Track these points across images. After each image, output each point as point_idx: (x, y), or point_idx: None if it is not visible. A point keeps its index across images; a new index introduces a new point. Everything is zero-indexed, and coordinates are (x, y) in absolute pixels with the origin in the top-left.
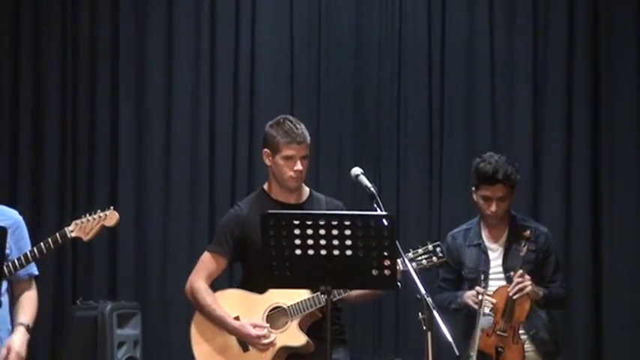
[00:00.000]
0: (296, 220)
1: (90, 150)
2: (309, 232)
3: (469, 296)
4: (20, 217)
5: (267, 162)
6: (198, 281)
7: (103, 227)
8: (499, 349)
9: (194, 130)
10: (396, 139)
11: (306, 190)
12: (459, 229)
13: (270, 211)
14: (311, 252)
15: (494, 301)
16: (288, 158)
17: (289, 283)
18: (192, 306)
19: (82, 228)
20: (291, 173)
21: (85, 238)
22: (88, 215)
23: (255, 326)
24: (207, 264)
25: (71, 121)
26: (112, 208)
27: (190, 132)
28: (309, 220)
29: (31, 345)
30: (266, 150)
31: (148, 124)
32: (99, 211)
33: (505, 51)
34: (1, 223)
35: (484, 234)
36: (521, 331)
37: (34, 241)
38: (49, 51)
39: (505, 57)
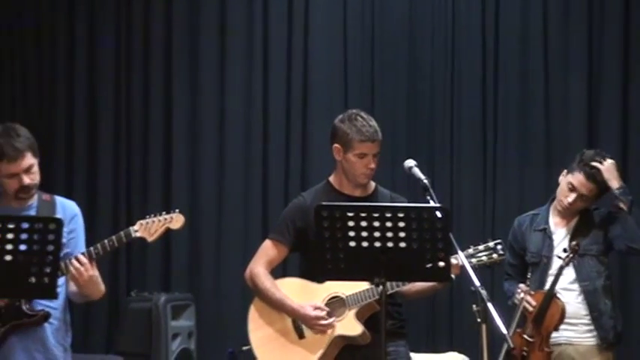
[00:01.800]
0: (350, 211)
1: (144, 148)
2: (363, 224)
3: (517, 291)
4: (78, 210)
5: (338, 157)
6: (258, 267)
7: (168, 229)
8: (523, 353)
9: (247, 125)
10: (450, 131)
11: (372, 184)
12: (526, 214)
13: (324, 203)
14: (365, 244)
15: (533, 303)
16: (361, 156)
17: (343, 275)
18: (245, 297)
19: (146, 228)
20: (364, 170)
21: (150, 239)
22: (153, 216)
23: (314, 308)
24: (267, 251)
25: (125, 122)
26: (177, 210)
27: (243, 127)
28: (363, 212)
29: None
30: (337, 145)
31: (201, 123)
32: (164, 212)
33: (559, 40)
34: (59, 213)
35: (552, 220)
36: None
37: (89, 240)
38: (104, 50)
39: (559, 46)
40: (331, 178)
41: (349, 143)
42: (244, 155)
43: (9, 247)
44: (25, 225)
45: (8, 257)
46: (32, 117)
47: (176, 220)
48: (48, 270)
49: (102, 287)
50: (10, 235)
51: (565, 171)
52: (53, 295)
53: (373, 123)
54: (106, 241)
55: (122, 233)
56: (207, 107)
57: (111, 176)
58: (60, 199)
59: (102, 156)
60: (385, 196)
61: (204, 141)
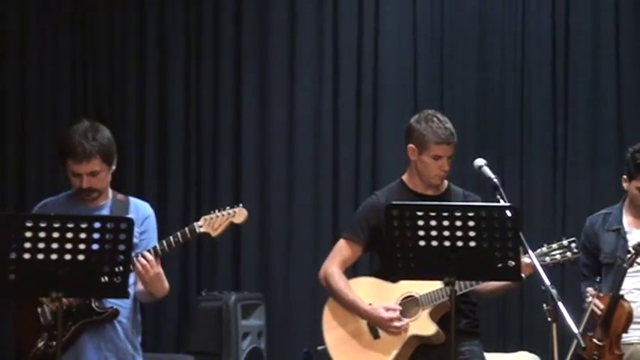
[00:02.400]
0: (420, 211)
1: (214, 148)
2: (433, 223)
3: (586, 294)
4: (151, 211)
5: (412, 157)
6: (332, 267)
7: (232, 224)
8: (594, 357)
9: (317, 125)
10: (519, 130)
11: (445, 182)
12: (597, 213)
13: (394, 202)
14: (434, 243)
15: (601, 306)
16: (436, 158)
17: (413, 274)
18: (315, 296)
19: (210, 224)
20: (437, 172)
21: (214, 234)
22: (216, 211)
23: (387, 309)
24: (342, 251)
25: (195, 121)
26: (240, 205)
27: (313, 127)
28: (432, 211)
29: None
30: (412, 146)
31: (271, 123)
32: (227, 207)
33: (631, 39)
34: (132, 214)
35: (626, 220)
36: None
37: (161, 233)
38: (174, 51)
39: (631, 45)
40: (404, 177)
41: (425, 144)
42: (314, 154)
43: (82, 246)
44: (97, 224)
45: (81, 257)
46: (103, 116)
47: (239, 215)
48: (119, 269)
49: (166, 285)
50: (82, 235)
51: (624, 176)
52: (125, 295)
53: (449, 125)
54: (171, 237)
55: (187, 229)
56: (277, 107)
57: (181, 176)
58: (134, 200)
59: (172, 156)
60: (458, 195)
61: (274, 140)
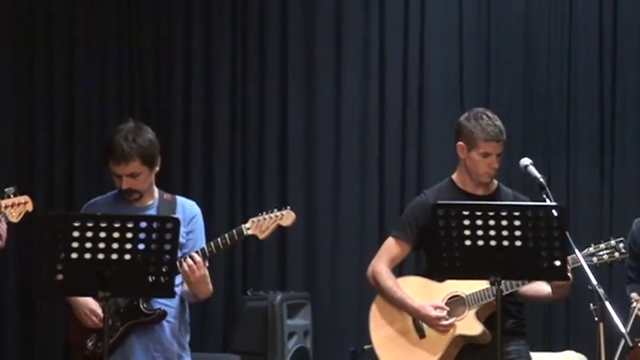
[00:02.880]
0: (465, 210)
1: (260, 147)
2: (479, 222)
3: (631, 300)
4: (198, 210)
5: (461, 155)
6: (380, 265)
7: (279, 227)
8: None
9: (363, 125)
10: (566, 128)
11: (494, 182)
12: None
13: (440, 202)
14: (480, 242)
15: None
16: (485, 155)
17: (458, 274)
18: (361, 295)
19: (258, 226)
20: (486, 169)
21: (261, 237)
22: (264, 213)
23: (435, 308)
24: (390, 249)
25: (241, 121)
26: (288, 207)
27: (359, 128)
28: (478, 211)
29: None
30: (461, 143)
31: (317, 123)
32: (275, 209)
33: None
34: (179, 213)
35: None
36: None
37: (207, 240)
38: (220, 50)
39: None
40: (454, 176)
41: (474, 142)
42: (360, 154)
43: (128, 246)
44: (144, 224)
45: (127, 256)
46: (149, 116)
47: (287, 217)
48: (165, 269)
49: (210, 287)
50: (129, 235)
51: None
52: (170, 294)
53: (498, 123)
54: (219, 239)
55: (234, 231)
56: (323, 107)
57: (227, 176)
58: (181, 200)
59: (218, 155)
60: (508, 195)
61: (320, 140)
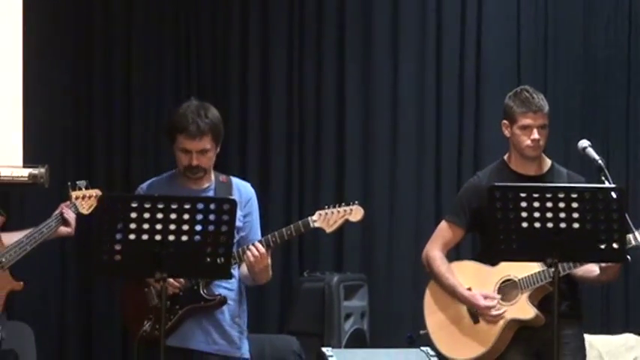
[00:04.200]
0: (523, 192)
1: (317, 128)
2: (536, 204)
3: None
4: (254, 192)
5: (507, 133)
6: (434, 250)
7: (347, 221)
8: None
9: (419, 107)
10: (625, 110)
11: (548, 162)
12: None
13: (497, 184)
14: (537, 225)
15: None
16: (524, 128)
17: (515, 256)
18: (417, 277)
19: (325, 219)
20: (528, 142)
21: (328, 230)
22: (332, 207)
23: (485, 297)
24: (443, 233)
25: (298, 102)
26: (356, 202)
27: (416, 108)
28: (535, 193)
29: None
30: (505, 121)
31: (374, 103)
32: (343, 204)
33: None
34: (236, 196)
35: None
36: None
37: (262, 222)
38: (277, 34)
39: None
40: (506, 157)
41: (513, 117)
42: (417, 135)
43: (185, 227)
44: (201, 206)
45: (184, 237)
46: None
47: (355, 213)
48: (222, 251)
49: (270, 274)
50: (186, 216)
51: None
52: (227, 276)
53: (539, 96)
54: (284, 230)
55: (300, 223)
56: (380, 88)
57: (284, 157)
58: (236, 181)
59: (274, 142)
60: (561, 175)
61: (376, 122)
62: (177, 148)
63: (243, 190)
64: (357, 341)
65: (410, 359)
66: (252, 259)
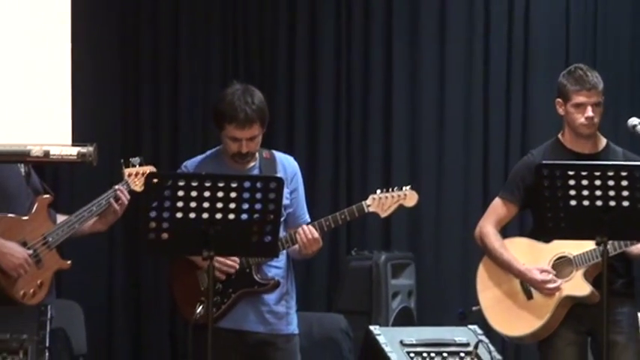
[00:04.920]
0: (571, 170)
1: (364, 108)
2: (585, 182)
3: None
4: (297, 167)
5: (561, 111)
6: (487, 226)
7: (401, 206)
8: None
9: (467, 82)
10: None
11: (603, 140)
12: None
13: (545, 162)
14: (586, 203)
15: None
16: (578, 106)
17: (563, 234)
18: (465, 256)
19: (380, 204)
20: (582, 120)
21: (383, 215)
22: (385, 191)
23: (541, 271)
24: (497, 210)
25: (345, 79)
26: (409, 187)
27: (463, 84)
28: (584, 171)
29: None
30: (558, 100)
31: (421, 82)
32: (396, 188)
33: None
34: (281, 172)
35: None
36: None
37: (310, 201)
38: (324, 12)
39: None
40: (560, 135)
41: (567, 94)
42: (464, 113)
43: (232, 205)
44: (247, 184)
45: (231, 216)
46: (253, 78)
47: (410, 198)
48: (269, 229)
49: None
50: (233, 194)
51: None
52: (274, 254)
53: (593, 74)
54: (338, 214)
55: (354, 208)
56: (427, 64)
57: (331, 140)
58: (279, 156)
59: (322, 120)
60: (617, 154)
61: (423, 100)
62: (225, 136)
63: (288, 165)
64: (405, 319)
65: (458, 337)
66: (305, 241)
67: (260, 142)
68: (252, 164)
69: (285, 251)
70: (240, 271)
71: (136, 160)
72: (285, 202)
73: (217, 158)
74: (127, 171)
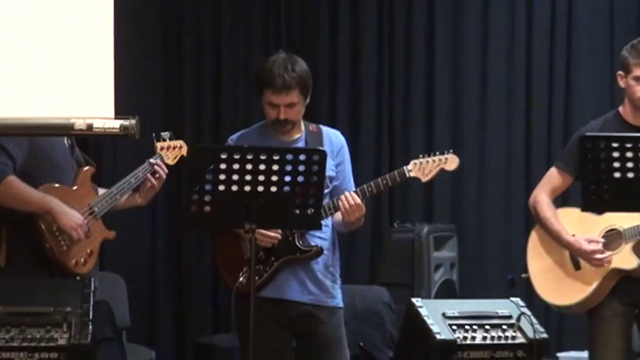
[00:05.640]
0: (615, 142)
1: (406, 81)
2: (629, 154)
3: None
4: (344, 139)
5: (622, 84)
6: (542, 194)
7: (443, 170)
8: None
9: (510, 56)
10: None
11: None
12: None
13: (588, 134)
14: (631, 175)
15: None
16: (638, 78)
17: (607, 207)
18: (507, 228)
19: (421, 169)
20: None
21: (424, 180)
22: (427, 156)
23: (589, 241)
24: (552, 179)
25: (388, 52)
26: (451, 151)
27: (506, 59)
28: (628, 143)
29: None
30: (620, 72)
31: (463, 57)
32: (438, 153)
33: None
34: (327, 145)
35: None
36: None
37: (354, 169)
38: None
39: None
40: (620, 108)
41: (628, 67)
42: (507, 86)
43: (274, 178)
44: (290, 156)
45: (274, 188)
46: (296, 48)
47: (451, 162)
48: (312, 201)
49: (362, 221)
50: (275, 167)
51: None
52: (317, 227)
53: None
54: (379, 179)
55: (396, 173)
56: (470, 39)
57: (374, 108)
58: (326, 130)
59: (364, 89)
60: None
61: (466, 75)
62: (264, 101)
63: (334, 138)
64: (447, 292)
65: (500, 310)
66: (347, 207)
67: (301, 112)
68: (297, 136)
69: (330, 224)
70: (282, 239)
71: (166, 134)
72: (331, 173)
73: (262, 131)
74: (158, 145)
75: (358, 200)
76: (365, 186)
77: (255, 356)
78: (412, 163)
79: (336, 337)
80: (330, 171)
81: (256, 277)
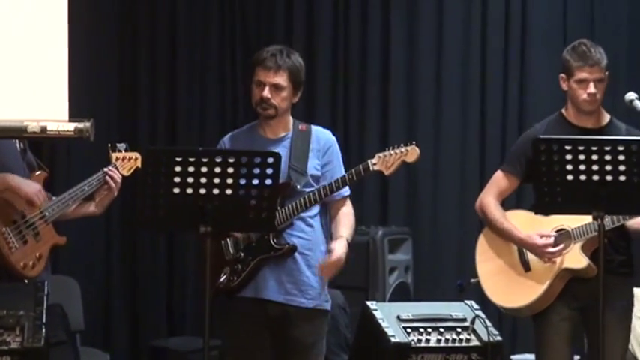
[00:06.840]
0: (567, 145)
1: (361, 79)
2: (582, 157)
3: None
4: (334, 139)
5: (564, 86)
6: (488, 197)
7: (404, 162)
8: None
9: (465, 56)
10: None
11: (606, 116)
12: None
13: (542, 137)
14: (582, 177)
15: None
16: (581, 81)
17: (560, 209)
18: (462, 231)
19: (384, 162)
20: (585, 96)
21: (387, 173)
22: (390, 149)
23: (542, 236)
24: (499, 182)
25: (343, 53)
26: (413, 143)
27: (461, 58)
28: (581, 146)
29: (348, 257)
30: (562, 75)
31: (419, 53)
32: (401, 145)
33: None
34: (313, 144)
35: None
36: None
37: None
38: None
39: None
40: (564, 110)
41: (570, 70)
42: (461, 87)
43: (229, 181)
44: (244, 159)
45: (229, 191)
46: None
47: (411, 153)
48: (266, 204)
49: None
50: (230, 170)
51: None
52: (271, 229)
53: (597, 49)
54: (345, 174)
55: (360, 167)
56: (425, 36)
57: (329, 109)
58: (316, 130)
59: (319, 90)
60: (619, 129)
61: (421, 72)
62: (253, 82)
63: (322, 137)
64: (402, 294)
65: (454, 312)
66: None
67: (287, 102)
68: (283, 134)
69: (316, 225)
70: (259, 238)
71: (122, 145)
72: (317, 173)
73: (251, 130)
74: (114, 155)
75: (334, 259)
76: (333, 182)
77: (231, 355)
78: (377, 156)
79: (308, 341)
80: (313, 170)
81: (235, 277)
